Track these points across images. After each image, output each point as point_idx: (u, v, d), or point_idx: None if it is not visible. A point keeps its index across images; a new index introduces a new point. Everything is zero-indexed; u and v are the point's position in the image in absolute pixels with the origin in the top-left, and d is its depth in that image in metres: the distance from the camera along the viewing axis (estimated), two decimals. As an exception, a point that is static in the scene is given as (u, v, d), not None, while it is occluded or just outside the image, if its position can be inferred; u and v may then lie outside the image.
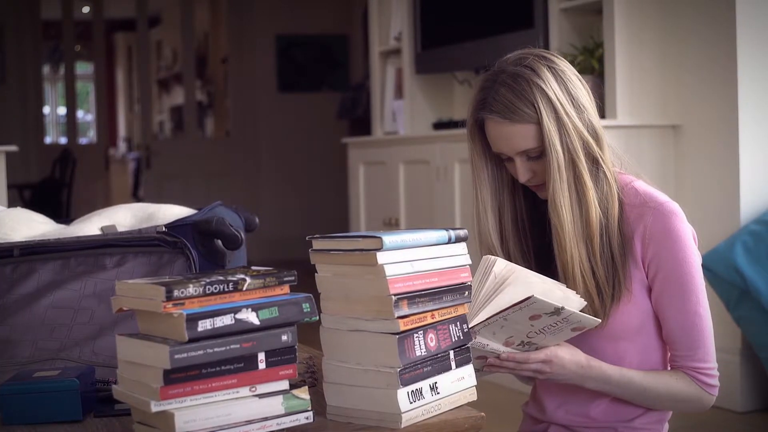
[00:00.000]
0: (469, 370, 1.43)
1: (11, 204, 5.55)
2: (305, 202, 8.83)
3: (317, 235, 1.37)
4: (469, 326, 1.46)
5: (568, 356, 1.67)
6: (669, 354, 1.77)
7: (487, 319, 1.56)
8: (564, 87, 1.69)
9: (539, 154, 1.69)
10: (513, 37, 4.10)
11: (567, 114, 1.67)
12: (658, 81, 3.89)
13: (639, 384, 1.72)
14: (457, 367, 1.40)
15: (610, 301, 1.70)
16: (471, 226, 1.75)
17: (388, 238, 1.31)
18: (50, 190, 8.04)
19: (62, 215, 7.39)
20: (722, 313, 3.54)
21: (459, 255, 1.43)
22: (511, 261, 1.73)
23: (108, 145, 10.45)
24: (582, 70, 3.74)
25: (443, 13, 4.80)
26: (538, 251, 1.78)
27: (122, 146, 14.35)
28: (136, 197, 10.59)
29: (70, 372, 1.40)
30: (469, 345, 1.43)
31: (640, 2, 3.83)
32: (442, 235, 1.41)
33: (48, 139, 12.01)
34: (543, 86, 1.66)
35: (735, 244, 3.36)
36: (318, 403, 1.37)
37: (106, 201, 9.44)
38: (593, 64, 3.84)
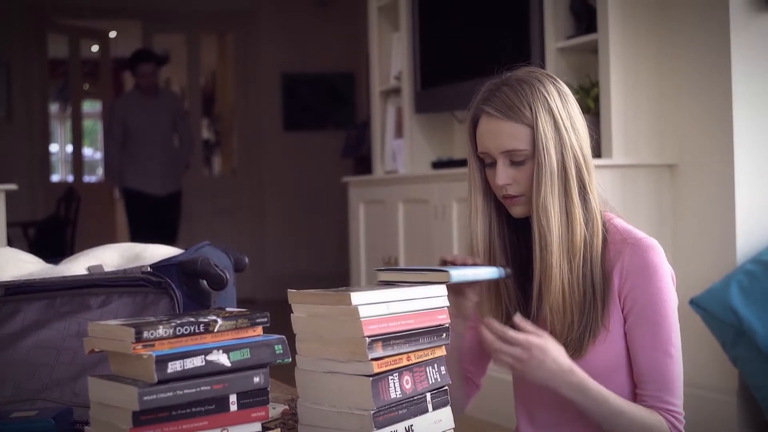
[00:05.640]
0: (446, 412, 1.43)
1: (14, 242, 5.53)
2: (311, 240, 8.84)
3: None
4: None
5: (554, 350, 1.64)
6: (637, 393, 1.73)
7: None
8: (566, 107, 1.69)
9: (523, 159, 1.68)
10: (511, 76, 4.11)
11: (566, 128, 1.67)
12: (653, 120, 3.90)
13: (614, 405, 1.67)
14: (434, 409, 1.40)
15: (587, 335, 1.69)
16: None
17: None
18: (54, 228, 8.05)
19: (66, 253, 7.40)
20: (718, 352, 3.52)
21: (437, 296, 1.43)
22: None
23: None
24: (578, 110, 3.75)
25: (442, 52, 4.83)
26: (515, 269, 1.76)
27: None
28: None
29: (48, 413, 1.41)
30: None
31: (636, 42, 3.85)
32: (418, 276, 1.42)
33: (56, 177, 12.05)
34: (545, 94, 1.67)
35: (731, 284, 3.35)
36: (296, 445, 1.38)
37: (111, 239, 9.44)
38: (589, 104, 3.85)
